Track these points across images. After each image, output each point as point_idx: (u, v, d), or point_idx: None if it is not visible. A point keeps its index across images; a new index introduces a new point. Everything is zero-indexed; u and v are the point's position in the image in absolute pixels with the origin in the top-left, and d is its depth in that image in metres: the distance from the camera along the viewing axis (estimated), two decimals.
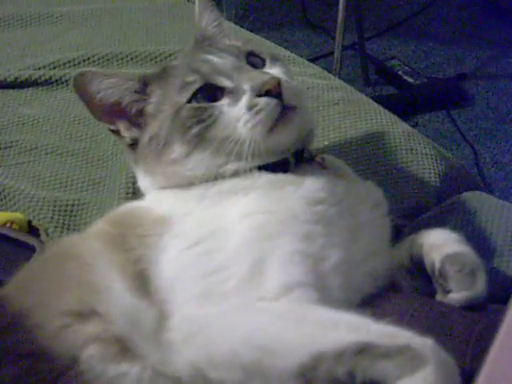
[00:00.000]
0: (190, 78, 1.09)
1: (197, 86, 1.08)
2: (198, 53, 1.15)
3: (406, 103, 2.99)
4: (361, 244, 1.07)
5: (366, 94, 1.73)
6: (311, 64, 1.80)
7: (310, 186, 1.07)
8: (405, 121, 1.60)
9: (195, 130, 1.06)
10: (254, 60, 1.14)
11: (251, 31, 1.91)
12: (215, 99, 1.08)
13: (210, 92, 1.08)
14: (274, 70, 1.13)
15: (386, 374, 0.81)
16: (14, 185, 1.40)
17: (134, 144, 1.14)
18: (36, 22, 1.98)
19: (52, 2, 2.08)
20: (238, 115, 1.05)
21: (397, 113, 1.60)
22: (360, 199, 1.13)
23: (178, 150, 1.08)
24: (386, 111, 1.57)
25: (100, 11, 2.02)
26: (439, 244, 1.09)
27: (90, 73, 1.11)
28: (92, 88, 1.10)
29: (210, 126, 1.06)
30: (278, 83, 1.05)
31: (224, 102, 1.07)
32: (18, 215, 1.32)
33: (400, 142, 1.46)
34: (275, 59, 1.16)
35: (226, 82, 1.08)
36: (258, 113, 1.04)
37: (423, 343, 0.83)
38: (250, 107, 1.05)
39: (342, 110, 1.55)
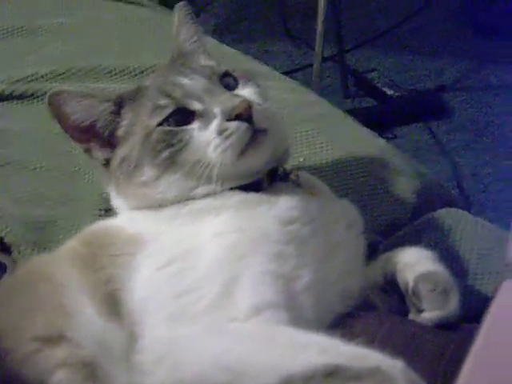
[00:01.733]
0: (162, 102, 1.07)
1: (169, 110, 1.06)
2: (171, 74, 1.13)
3: (385, 115, 2.99)
4: (334, 263, 1.07)
5: (346, 106, 1.74)
6: (287, 78, 1.79)
7: (282, 204, 1.06)
8: (384, 133, 1.61)
9: (165, 153, 1.05)
10: (227, 81, 1.12)
11: (231, 42, 1.90)
12: (187, 122, 1.06)
13: (182, 115, 1.07)
14: (246, 91, 1.11)
15: None
16: None
17: (106, 163, 1.12)
18: (11, 35, 1.94)
19: (28, 15, 2.05)
20: (208, 139, 1.04)
21: (376, 125, 1.60)
22: (334, 218, 1.12)
23: (148, 172, 1.07)
24: (363, 127, 1.56)
25: (77, 24, 1.99)
26: (413, 263, 1.09)
27: (65, 93, 1.09)
28: (67, 109, 1.08)
29: (181, 150, 1.05)
30: (249, 106, 1.04)
31: (195, 126, 1.06)
32: None
33: (376, 158, 1.45)
34: (248, 79, 1.14)
35: (197, 106, 1.07)
36: (227, 137, 1.03)
37: (393, 365, 0.83)
38: (220, 132, 1.04)
39: (317, 125, 1.53)
